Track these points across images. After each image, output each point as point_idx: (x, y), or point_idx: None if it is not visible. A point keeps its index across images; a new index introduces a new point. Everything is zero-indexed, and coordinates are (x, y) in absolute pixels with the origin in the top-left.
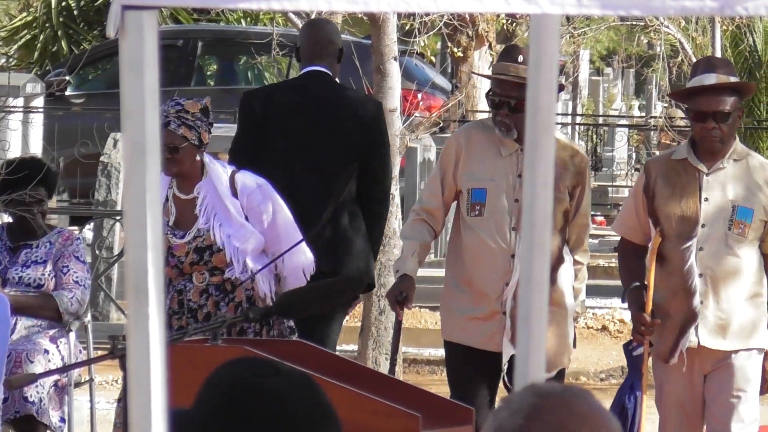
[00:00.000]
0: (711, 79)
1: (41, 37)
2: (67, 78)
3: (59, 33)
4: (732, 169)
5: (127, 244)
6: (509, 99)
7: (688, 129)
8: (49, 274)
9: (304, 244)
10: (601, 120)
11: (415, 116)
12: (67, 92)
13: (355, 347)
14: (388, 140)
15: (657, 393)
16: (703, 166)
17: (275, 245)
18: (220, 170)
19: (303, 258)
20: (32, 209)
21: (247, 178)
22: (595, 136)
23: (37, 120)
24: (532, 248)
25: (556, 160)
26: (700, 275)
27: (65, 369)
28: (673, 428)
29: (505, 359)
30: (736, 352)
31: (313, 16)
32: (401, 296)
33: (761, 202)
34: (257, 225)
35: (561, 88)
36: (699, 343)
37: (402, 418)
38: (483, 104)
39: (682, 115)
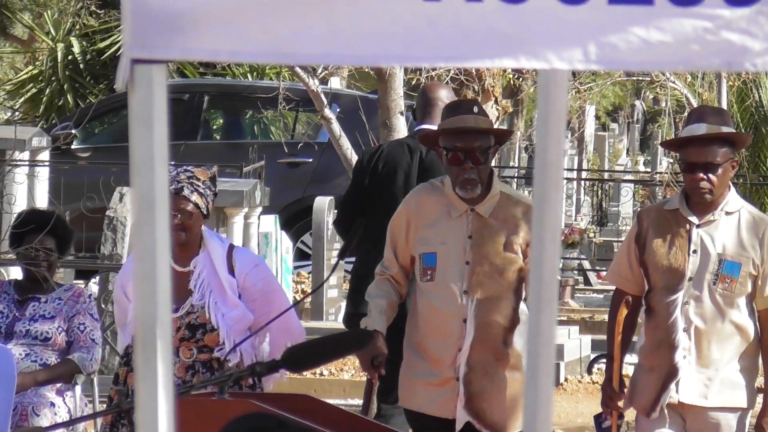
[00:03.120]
0: (701, 129)
1: (47, 90)
2: (74, 132)
3: (65, 86)
4: (723, 221)
5: (136, 299)
6: (470, 151)
7: None
8: (57, 329)
9: (295, 320)
10: (606, 175)
11: None
12: (73, 146)
13: (360, 401)
14: None
15: None
16: (695, 217)
17: (262, 317)
18: (218, 245)
19: (292, 334)
20: (39, 262)
21: (245, 256)
22: (600, 191)
23: (43, 173)
24: (540, 304)
25: (507, 217)
26: (684, 329)
27: (71, 423)
28: None
29: (458, 426)
30: (720, 410)
31: (320, 70)
32: (377, 360)
33: (750, 255)
34: (249, 303)
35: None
36: (679, 400)
37: None
38: None
39: None
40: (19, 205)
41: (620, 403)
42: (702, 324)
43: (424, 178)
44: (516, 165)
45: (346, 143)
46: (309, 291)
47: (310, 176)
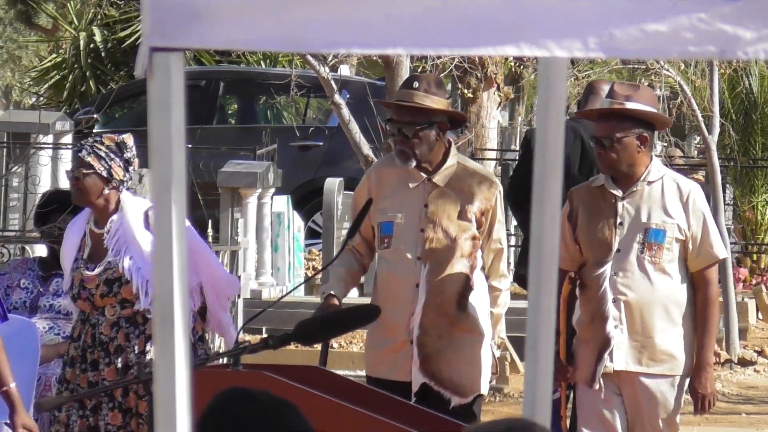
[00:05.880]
0: (604, 104)
1: (70, 77)
2: (95, 116)
3: (87, 73)
4: (646, 191)
5: (155, 276)
6: (403, 125)
7: (687, 167)
8: None
9: (224, 272)
10: None
11: None
12: (95, 130)
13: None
14: None
15: (578, 416)
16: (619, 191)
17: (192, 277)
18: (136, 205)
19: (223, 284)
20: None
21: None
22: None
23: (66, 156)
24: (540, 281)
25: (462, 187)
26: (614, 300)
27: (93, 392)
28: None
29: (414, 387)
30: (656, 378)
31: (330, 58)
32: None
33: (675, 221)
34: None
35: (462, 121)
36: (614, 368)
37: None
38: (492, 143)
39: (681, 154)
40: (43, 186)
41: (568, 375)
42: (631, 294)
43: (584, 161)
44: (517, 149)
45: (355, 128)
46: (320, 268)
47: (321, 159)
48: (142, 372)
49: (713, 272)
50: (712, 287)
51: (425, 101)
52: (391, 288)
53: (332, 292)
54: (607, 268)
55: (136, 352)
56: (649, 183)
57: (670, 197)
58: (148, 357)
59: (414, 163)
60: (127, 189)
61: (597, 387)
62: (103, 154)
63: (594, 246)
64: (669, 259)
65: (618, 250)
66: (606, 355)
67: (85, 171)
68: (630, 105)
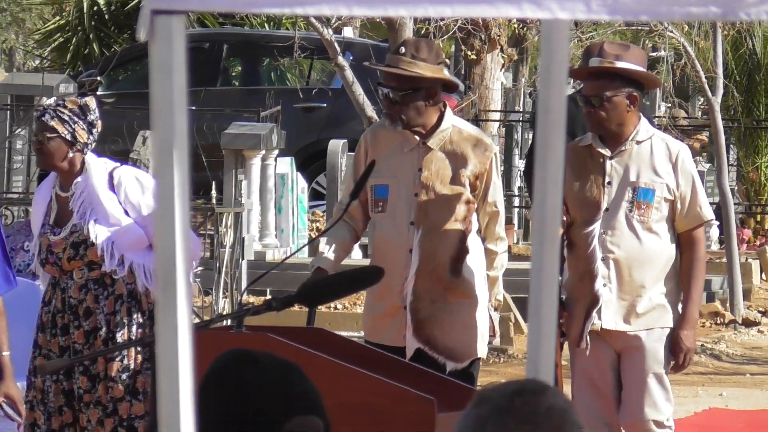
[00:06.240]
0: (594, 63)
1: (74, 39)
2: (99, 78)
3: (91, 36)
4: (635, 150)
5: (156, 238)
6: (390, 90)
7: (690, 128)
8: None
9: (136, 230)
10: None
11: None
12: (99, 92)
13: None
14: None
15: (571, 375)
16: (607, 150)
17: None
18: (100, 167)
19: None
20: None
21: (125, 172)
22: None
23: None
24: (543, 243)
25: (456, 151)
26: (603, 259)
27: (95, 354)
28: (585, 409)
29: (408, 353)
30: (646, 332)
31: (333, 20)
32: None
33: (664, 181)
34: (138, 218)
35: (455, 86)
36: (602, 326)
37: (418, 402)
38: (496, 104)
39: (685, 114)
40: None
41: (561, 321)
42: (619, 252)
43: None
44: (521, 110)
45: (358, 89)
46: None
47: (325, 121)
48: (146, 335)
49: (701, 233)
50: (700, 247)
51: (410, 67)
52: (385, 253)
53: (321, 266)
54: (596, 227)
55: (105, 313)
56: (638, 143)
57: (659, 157)
58: (117, 318)
59: (400, 127)
60: (91, 151)
61: (584, 346)
62: (66, 118)
63: (582, 205)
64: (657, 218)
65: (606, 209)
66: (594, 313)
67: (49, 135)
68: (620, 64)
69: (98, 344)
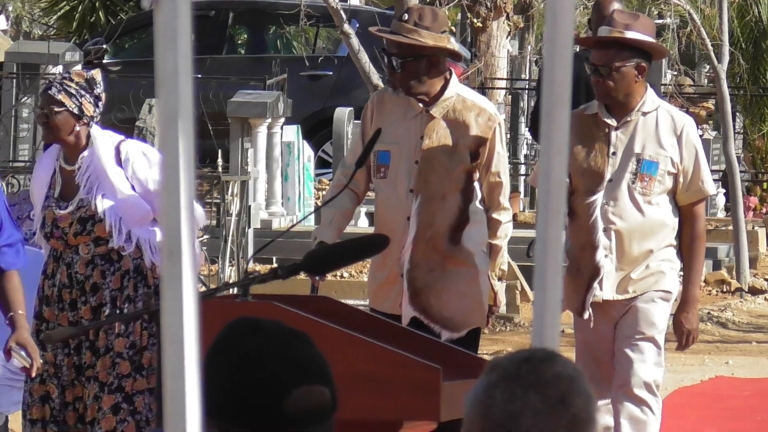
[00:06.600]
0: (602, 32)
1: (80, 8)
2: (105, 47)
3: (97, 4)
4: (641, 122)
5: (162, 207)
6: (392, 56)
7: (696, 96)
8: None
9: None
10: None
11: None
12: (105, 60)
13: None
14: None
15: (575, 344)
16: (613, 120)
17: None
18: (106, 140)
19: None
20: None
21: (132, 146)
22: None
23: None
24: (547, 212)
25: (459, 119)
26: (605, 230)
27: (100, 324)
28: (587, 377)
29: (404, 321)
30: (640, 295)
31: None
32: None
33: (668, 154)
34: (145, 193)
35: (458, 55)
36: (603, 297)
37: (424, 371)
38: (502, 72)
39: (691, 82)
40: None
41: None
42: (621, 223)
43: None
44: (527, 78)
45: (364, 57)
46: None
47: (331, 88)
48: (151, 303)
49: (701, 208)
50: (700, 222)
51: (412, 35)
52: (385, 220)
53: (323, 239)
54: (598, 197)
55: (111, 289)
56: (644, 114)
57: (664, 130)
58: (124, 294)
59: (401, 93)
60: (96, 123)
61: (586, 316)
62: (73, 91)
63: (585, 174)
64: (659, 191)
65: (610, 180)
66: (596, 284)
67: (56, 109)
68: (630, 34)
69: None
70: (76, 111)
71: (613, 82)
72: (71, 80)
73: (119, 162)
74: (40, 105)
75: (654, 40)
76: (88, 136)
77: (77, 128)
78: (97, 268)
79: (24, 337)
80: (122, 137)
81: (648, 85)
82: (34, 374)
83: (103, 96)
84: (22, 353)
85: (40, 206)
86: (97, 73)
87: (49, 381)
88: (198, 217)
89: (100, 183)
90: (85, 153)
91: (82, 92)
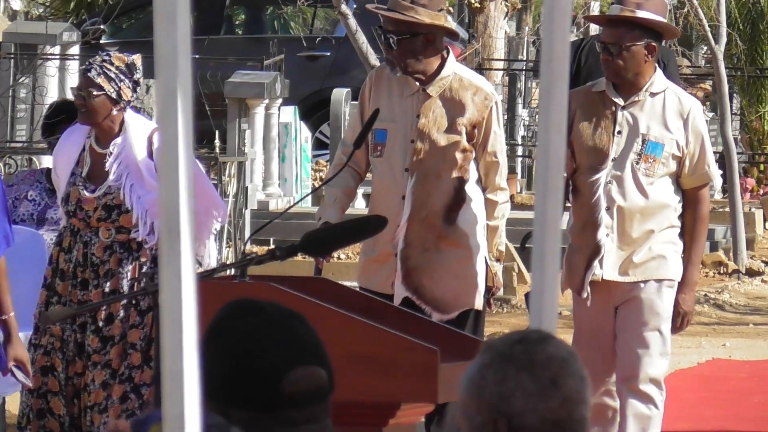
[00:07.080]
0: (614, 11)
1: None
2: (102, 27)
3: None
4: (648, 102)
5: (161, 187)
6: (388, 34)
7: (693, 77)
8: None
9: (218, 200)
10: None
11: None
12: (102, 40)
13: None
14: None
15: (574, 325)
16: (620, 99)
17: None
18: (140, 129)
19: (213, 214)
20: None
21: None
22: None
23: (74, 67)
24: (546, 191)
25: (455, 98)
26: (607, 208)
27: (100, 304)
28: (584, 359)
29: (396, 301)
30: (644, 283)
31: None
32: None
33: (674, 137)
34: None
35: (455, 34)
36: (603, 276)
37: (421, 352)
38: (499, 53)
39: (688, 63)
40: (51, 96)
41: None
42: (624, 203)
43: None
44: (524, 58)
45: (361, 38)
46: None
47: (328, 69)
48: (150, 284)
49: (706, 191)
50: (704, 205)
51: (408, 12)
52: (380, 198)
53: (328, 220)
54: (602, 176)
55: (128, 278)
56: (652, 94)
57: (670, 112)
58: (141, 284)
59: (399, 72)
60: (131, 107)
61: (585, 295)
62: (113, 75)
63: (590, 152)
64: (663, 173)
65: (614, 159)
66: (596, 263)
67: (95, 92)
68: (641, 13)
69: (117, 308)
70: (114, 95)
71: (622, 61)
72: (111, 63)
73: (150, 153)
74: (78, 86)
75: (665, 20)
76: (122, 122)
77: (114, 113)
78: (114, 254)
79: (20, 354)
80: (155, 125)
81: (656, 65)
82: (33, 387)
83: (141, 81)
84: (21, 374)
85: (65, 181)
86: (137, 59)
87: (54, 354)
88: (220, 210)
89: (130, 173)
90: (118, 140)
91: (122, 77)
